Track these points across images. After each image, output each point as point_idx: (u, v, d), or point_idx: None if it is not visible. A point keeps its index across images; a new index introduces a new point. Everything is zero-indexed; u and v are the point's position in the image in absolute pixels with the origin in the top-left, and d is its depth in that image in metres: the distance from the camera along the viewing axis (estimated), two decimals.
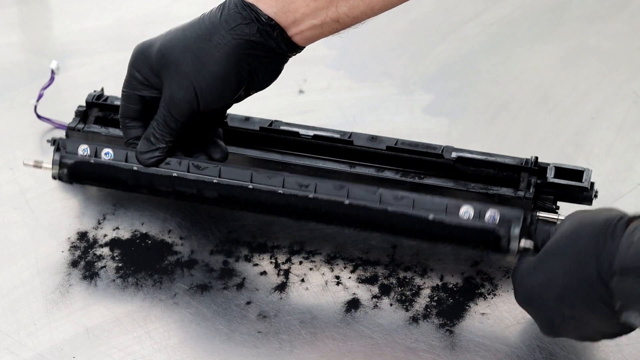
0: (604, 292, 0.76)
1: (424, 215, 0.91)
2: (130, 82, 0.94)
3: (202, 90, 0.91)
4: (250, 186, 0.94)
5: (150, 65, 0.93)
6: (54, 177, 0.99)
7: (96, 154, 0.97)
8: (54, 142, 1.00)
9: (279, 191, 0.94)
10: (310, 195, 0.93)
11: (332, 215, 0.94)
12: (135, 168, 0.96)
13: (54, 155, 0.99)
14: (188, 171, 0.95)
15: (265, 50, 0.90)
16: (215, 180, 0.95)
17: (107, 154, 0.97)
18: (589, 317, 0.78)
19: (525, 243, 0.89)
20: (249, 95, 0.95)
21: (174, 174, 0.95)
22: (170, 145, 0.95)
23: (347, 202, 0.92)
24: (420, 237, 0.94)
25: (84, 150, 0.98)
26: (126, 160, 0.96)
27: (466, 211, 0.90)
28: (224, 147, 0.97)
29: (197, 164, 0.95)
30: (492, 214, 0.90)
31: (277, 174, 0.94)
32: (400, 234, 0.94)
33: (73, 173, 0.98)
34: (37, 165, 1.00)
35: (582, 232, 0.78)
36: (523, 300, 0.84)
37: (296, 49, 0.92)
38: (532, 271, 0.82)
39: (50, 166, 0.99)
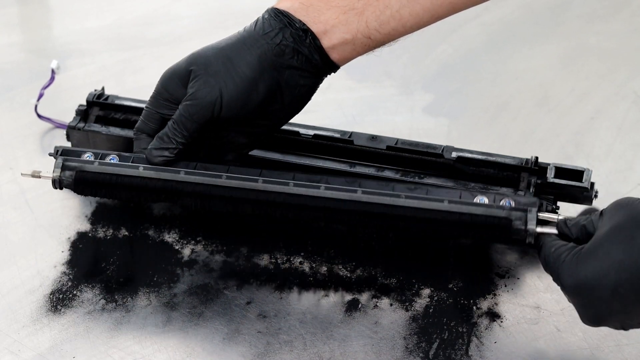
0: None
1: (439, 202, 0.88)
2: (155, 99, 0.93)
3: (228, 91, 0.89)
4: (260, 182, 0.91)
5: (178, 75, 0.92)
6: (53, 184, 0.94)
7: (101, 157, 0.94)
8: (56, 152, 0.95)
9: (290, 187, 0.90)
10: (322, 188, 0.90)
11: (344, 212, 0.90)
12: (141, 169, 0.92)
13: (55, 161, 0.94)
14: (195, 168, 0.92)
15: (298, 59, 0.90)
16: (223, 178, 0.91)
17: (112, 159, 0.94)
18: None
19: (543, 229, 0.86)
20: (278, 122, 0.93)
21: (181, 173, 0.91)
22: (181, 148, 0.92)
23: (359, 192, 0.89)
24: (433, 229, 0.90)
25: (88, 156, 0.94)
26: (132, 161, 0.93)
27: (481, 199, 0.89)
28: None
29: (206, 165, 0.93)
30: (507, 201, 0.89)
31: (286, 173, 0.92)
32: (412, 227, 0.90)
33: (76, 179, 0.93)
34: (35, 175, 0.94)
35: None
36: (572, 289, 0.80)
37: (331, 67, 0.92)
38: (584, 261, 0.79)
39: (50, 175, 0.93)
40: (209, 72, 0.90)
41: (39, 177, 0.94)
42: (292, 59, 0.90)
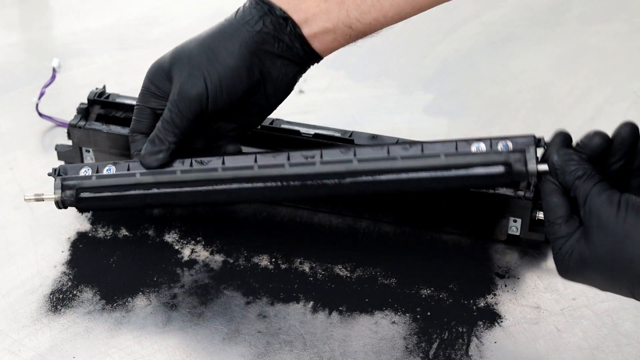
0: None
1: (435, 158, 0.87)
2: (143, 95, 0.93)
3: (212, 82, 0.89)
4: (256, 167, 0.90)
5: (163, 69, 0.92)
6: (57, 205, 0.93)
7: (98, 169, 0.93)
8: (55, 172, 0.94)
9: (285, 167, 0.89)
10: (317, 163, 0.89)
11: (340, 187, 0.89)
12: (138, 175, 0.92)
13: (54, 182, 0.93)
14: (191, 166, 0.91)
15: (279, 46, 0.90)
16: (220, 169, 0.90)
17: (109, 169, 0.93)
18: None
19: (542, 167, 0.83)
20: (262, 113, 0.93)
21: (177, 172, 0.91)
22: (174, 147, 0.91)
23: (355, 162, 0.88)
24: (432, 186, 0.88)
25: (85, 171, 0.93)
26: (128, 169, 0.92)
27: (477, 146, 0.87)
28: (239, 145, 0.95)
29: (201, 159, 0.92)
30: (504, 143, 0.87)
31: (281, 153, 0.90)
32: (411, 188, 0.88)
33: (77, 198, 0.92)
34: (39, 198, 0.93)
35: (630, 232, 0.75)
36: (566, 274, 0.78)
37: (314, 56, 0.91)
38: (578, 252, 0.77)
39: (52, 196, 0.93)
40: (192, 64, 0.90)
41: (43, 200, 0.93)
42: (273, 46, 0.90)
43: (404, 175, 0.88)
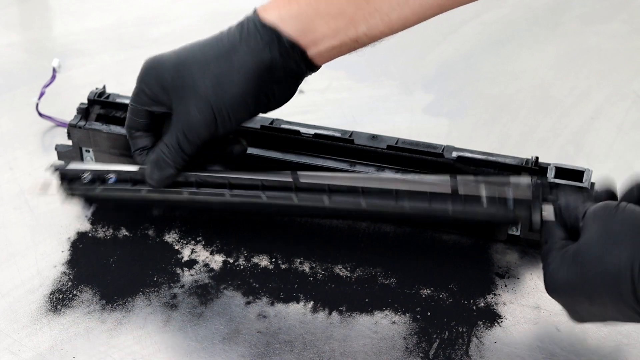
0: (638, 308, 0.75)
1: (443, 209, 0.88)
2: (138, 97, 0.92)
3: (221, 113, 0.89)
4: (264, 197, 0.91)
5: (161, 82, 0.90)
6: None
7: (100, 179, 0.95)
8: (55, 169, 0.96)
9: (294, 201, 0.91)
10: (326, 202, 0.90)
11: (348, 214, 0.92)
12: (144, 192, 0.93)
13: (60, 185, 0.96)
14: (197, 188, 0.93)
15: (284, 72, 0.89)
16: (227, 195, 0.92)
17: (111, 179, 0.94)
18: (618, 318, 0.78)
19: (547, 215, 0.85)
20: (264, 113, 0.94)
21: (184, 193, 0.93)
22: (180, 169, 0.92)
23: (363, 204, 0.90)
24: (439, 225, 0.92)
25: (85, 177, 0.95)
26: (133, 184, 0.94)
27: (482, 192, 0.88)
28: (243, 142, 0.95)
29: (205, 175, 0.92)
30: (508, 192, 0.87)
31: (288, 179, 0.92)
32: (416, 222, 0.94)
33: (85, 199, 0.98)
34: (45, 187, 0.96)
35: (617, 242, 0.76)
36: (553, 291, 0.81)
37: (314, 68, 0.91)
38: (566, 266, 0.79)
39: (55, 191, 0.96)
40: (197, 93, 0.88)
41: (48, 190, 0.96)
42: (279, 73, 0.89)
43: (408, 212, 0.89)
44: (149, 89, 0.91)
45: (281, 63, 0.88)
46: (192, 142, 0.90)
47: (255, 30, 0.88)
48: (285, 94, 0.91)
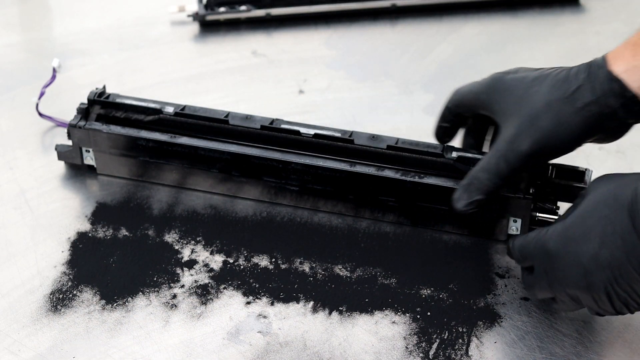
0: None
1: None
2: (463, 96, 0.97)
3: (551, 148, 0.89)
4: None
5: (496, 98, 0.92)
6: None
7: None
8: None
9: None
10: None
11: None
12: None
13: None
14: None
15: (620, 123, 0.88)
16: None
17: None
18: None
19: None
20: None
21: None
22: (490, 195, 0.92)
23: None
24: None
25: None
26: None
27: None
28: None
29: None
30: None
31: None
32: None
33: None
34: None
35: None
36: (560, 249, 0.84)
37: None
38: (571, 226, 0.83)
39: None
40: (536, 126, 0.88)
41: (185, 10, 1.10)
42: (615, 124, 0.89)
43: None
44: (480, 95, 0.95)
45: (622, 115, 0.88)
46: (511, 167, 0.90)
47: (605, 79, 0.87)
48: (606, 140, 0.92)
